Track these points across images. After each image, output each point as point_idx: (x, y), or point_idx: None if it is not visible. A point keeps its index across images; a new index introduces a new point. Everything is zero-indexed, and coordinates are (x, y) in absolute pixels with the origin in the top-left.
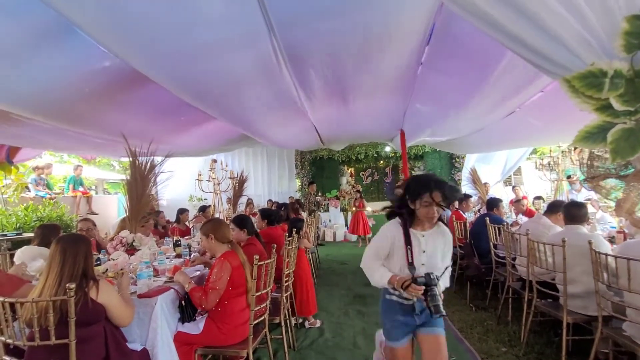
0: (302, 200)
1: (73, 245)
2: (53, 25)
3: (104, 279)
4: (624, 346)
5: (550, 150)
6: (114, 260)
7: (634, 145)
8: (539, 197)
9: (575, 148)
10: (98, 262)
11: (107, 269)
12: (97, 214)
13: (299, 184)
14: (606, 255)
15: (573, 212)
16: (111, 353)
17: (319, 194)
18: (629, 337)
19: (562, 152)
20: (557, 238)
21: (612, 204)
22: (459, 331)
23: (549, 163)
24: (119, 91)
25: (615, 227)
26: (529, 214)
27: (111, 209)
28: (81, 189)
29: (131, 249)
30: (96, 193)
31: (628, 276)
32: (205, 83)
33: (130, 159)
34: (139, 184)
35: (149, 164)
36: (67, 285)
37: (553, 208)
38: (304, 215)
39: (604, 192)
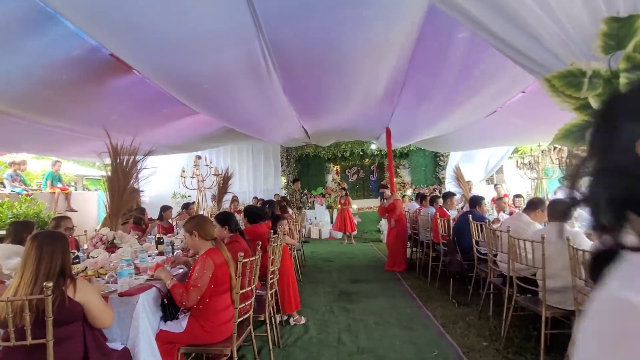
0: (289, 198)
1: (50, 242)
2: (29, 9)
3: (82, 278)
4: None
5: (531, 150)
6: (93, 258)
7: None
8: (519, 195)
9: (554, 148)
10: (77, 260)
11: (86, 267)
12: (76, 211)
13: (285, 181)
14: (583, 251)
15: (557, 209)
16: (90, 353)
17: (304, 191)
18: None
19: (542, 151)
20: (539, 235)
21: None
22: (442, 326)
23: (529, 162)
24: (99, 82)
25: None
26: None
27: (91, 206)
28: (60, 185)
29: (112, 247)
30: (75, 190)
31: None
32: (190, 74)
33: (111, 153)
34: (121, 180)
35: (131, 160)
36: (43, 283)
37: (532, 205)
38: (291, 212)
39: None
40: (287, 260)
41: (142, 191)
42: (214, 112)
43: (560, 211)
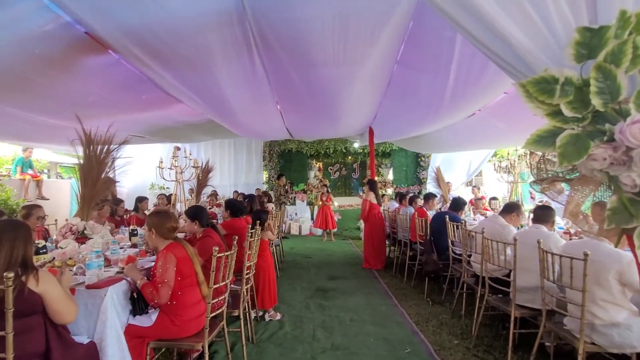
0: (270, 192)
1: (11, 231)
2: None
3: (45, 269)
4: (564, 339)
5: (508, 154)
6: (62, 248)
7: (580, 150)
8: (494, 198)
9: (531, 153)
10: (44, 251)
11: (53, 258)
12: (47, 199)
13: (267, 176)
14: (552, 254)
15: (537, 213)
16: (52, 346)
17: (287, 187)
18: (568, 331)
19: (519, 156)
20: (519, 236)
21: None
22: (415, 324)
23: (506, 166)
24: (72, 61)
25: (562, 228)
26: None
27: (63, 194)
28: (30, 172)
29: (82, 238)
30: (48, 177)
31: (570, 274)
32: (173, 54)
33: (84, 140)
34: (94, 169)
35: (105, 148)
36: (4, 274)
37: (508, 209)
38: (271, 207)
39: (552, 194)
40: (268, 255)
41: (117, 181)
42: (195, 97)
43: (539, 215)
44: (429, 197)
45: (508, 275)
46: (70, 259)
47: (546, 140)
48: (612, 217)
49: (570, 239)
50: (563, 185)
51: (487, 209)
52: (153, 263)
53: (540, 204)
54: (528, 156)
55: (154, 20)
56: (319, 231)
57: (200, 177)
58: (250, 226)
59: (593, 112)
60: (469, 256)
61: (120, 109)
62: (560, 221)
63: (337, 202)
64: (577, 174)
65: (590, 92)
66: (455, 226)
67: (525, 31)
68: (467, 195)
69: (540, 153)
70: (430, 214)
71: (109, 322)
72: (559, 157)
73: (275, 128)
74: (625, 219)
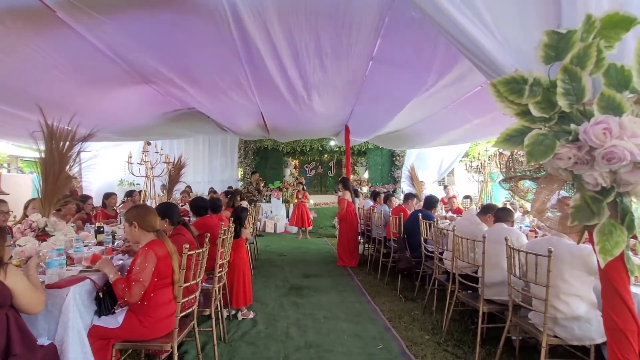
0: (242, 190)
1: None
2: None
3: (11, 264)
4: (529, 333)
5: (479, 154)
6: (20, 246)
7: (547, 149)
8: (467, 197)
9: (500, 154)
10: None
11: (11, 256)
12: (7, 194)
13: (242, 173)
14: (519, 250)
15: (498, 214)
16: (14, 344)
17: (262, 184)
18: (533, 325)
19: (489, 156)
20: (487, 234)
21: (528, 205)
22: (388, 320)
23: (477, 166)
24: (25, 35)
25: (529, 226)
26: (457, 211)
27: (24, 189)
28: None
29: (43, 235)
30: (8, 171)
31: (535, 270)
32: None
33: (46, 132)
34: (57, 163)
35: (68, 140)
36: None
37: (485, 210)
38: (245, 204)
39: (520, 193)
40: (244, 253)
41: (75, 177)
42: (166, 71)
43: (501, 216)
44: (409, 197)
45: (477, 272)
46: (14, 258)
47: (515, 139)
48: (575, 215)
49: (535, 237)
50: (530, 183)
51: (460, 210)
52: (120, 262)
53: (507, 202)
54: (498, 157)
55: None
56: (294, 229)
57: (172, 173)
58: (222, 223)
59: (559, 113)
60: (441, 253)
61: (81, 93)
62: (526, 219)
63: (312, 200)
64: (544, 173)
65: (557, 93)
66: (428, 224)
67: (492, 33)
68: (439, 194)
69: (508, 152)
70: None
71: (71, 323)
72: (526, 156)
73: (252, 123)
74: (588, 216)
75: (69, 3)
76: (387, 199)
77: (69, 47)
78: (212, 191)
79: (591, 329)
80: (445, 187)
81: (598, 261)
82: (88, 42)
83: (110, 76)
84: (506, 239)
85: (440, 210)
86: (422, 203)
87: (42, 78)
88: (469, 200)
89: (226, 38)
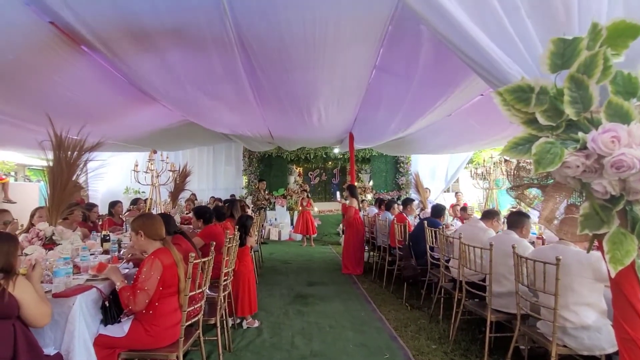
0: (251, 198)
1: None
2: None
3: (20, 275)
4: (538, 342)
5: (484, 161)
6: (27, 255)
7: (554, 158)
8: (464, 209)
9: (506, 160)
10: None
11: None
12: (14, 202)
13: (246, 180)
14: (526, 259)
15: (510, 219)
16: (20, 355)
17: (267, 192)
18: (542, 334)
19: (494, 163)
20: (492, 241)
21: (535, 212)
22: (394, 329)
23: (482, 172)
24: (38, 56)
25: (535, 234)
26: (460, 220)
27: (31, 198)
28: None
29: (50, 244)
30: (15, 180)
31: (543, 278)
32: (151, 45)
33: (54, 141)
34: (64, 172)
35: (76, 149)
36: None
37: (489, 215)
38: (249, 212)
39: (527, 200)
40: (249, 262)
41: (83, 187)
42: (171, 93)
43: (512, 221)
44: (407, 202)
45: (484, 280)
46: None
47: (522, 147)
48: (585, 223)
49: (542, 245)
50: (537, 191)
51: (462, 218)
52: (126, 270)
53: (513, 209)
54: (503, 163)
55: (128, 11)
56: (299, 236)
57: (178, 181)
58: (228, 231)
59: (567, 121)
60: (447, 261)
61: (93, 111)
62: (533, 227)
63: (317, 207)
64: (552, 181)
65: (564, 101)
66: (433, 232)
67: (499, 43)
68: (448, 201)
69: (515, 160)
70: (410, 218)
71: (77, 333)
72: (534, 164)
73: (257, 129)
74: (597, 224)
75: (94, 39)
76: (390, 206)
77: (82, 68)
78: (215, 199)
79: (601, 338)
80: (456, 193)
81: (608, 270)
82: (99, 64)
83: (121, 95)
84: (513, 247)
85: (450, 218)
86: (428, 210)
87: (55, 93)
88: (465, 212)
89: (236, 68)
